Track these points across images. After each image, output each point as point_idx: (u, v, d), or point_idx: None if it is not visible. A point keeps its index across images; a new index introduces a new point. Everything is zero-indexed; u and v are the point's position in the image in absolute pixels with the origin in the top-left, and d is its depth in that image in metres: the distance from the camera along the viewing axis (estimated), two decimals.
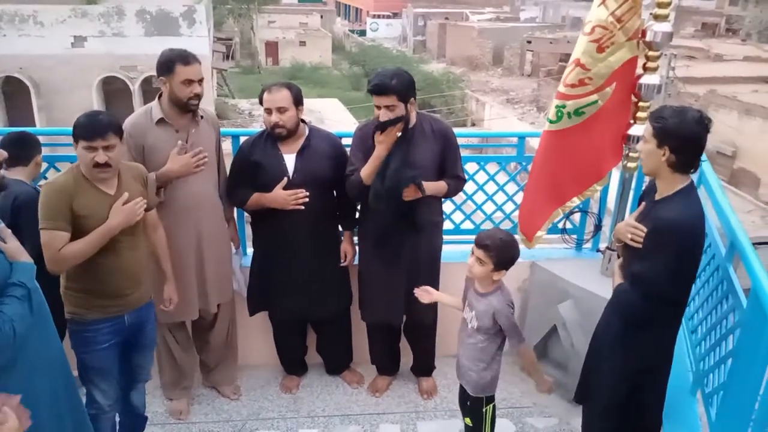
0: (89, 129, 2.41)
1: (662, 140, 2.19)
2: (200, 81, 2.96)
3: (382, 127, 2.96)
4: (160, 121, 2.97)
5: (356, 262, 3.48)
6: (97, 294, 2.56)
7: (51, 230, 2.40)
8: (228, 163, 3.34)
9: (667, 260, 2.16)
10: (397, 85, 2.93)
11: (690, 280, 2.31)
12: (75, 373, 2.53)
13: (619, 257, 2.52)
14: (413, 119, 3.11)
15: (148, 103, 3.08)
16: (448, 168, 3.20)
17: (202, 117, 3.09)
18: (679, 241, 2.16)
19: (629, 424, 2.50)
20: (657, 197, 2.31)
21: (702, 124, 2.17)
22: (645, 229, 2.24)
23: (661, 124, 2.19)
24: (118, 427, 2.97)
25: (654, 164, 2.25)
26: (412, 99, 3.03)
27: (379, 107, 2.97)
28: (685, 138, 2.16)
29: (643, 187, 2.64)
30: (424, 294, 2.86)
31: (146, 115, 3.01)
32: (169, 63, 2.90)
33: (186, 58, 2.92)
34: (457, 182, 3.23)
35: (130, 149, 2.93)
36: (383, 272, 3.27)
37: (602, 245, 3.72)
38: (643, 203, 2.39)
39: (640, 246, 2.25)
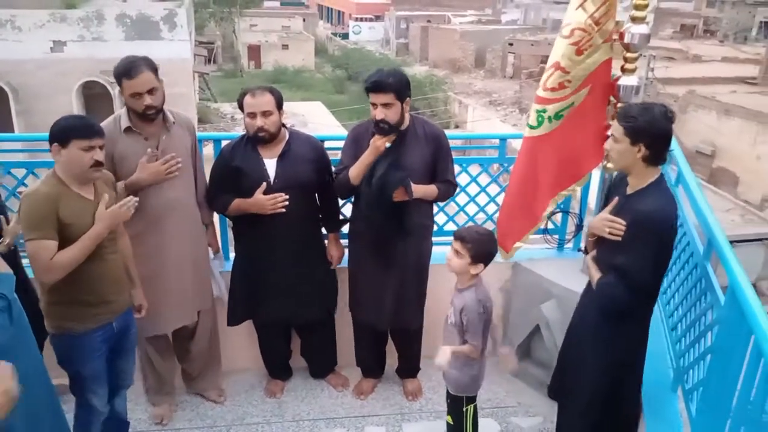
0: (89, 129, 2.41)
1: (636, 138, 2.26)
2: (150, 91, 2.83)
3: (380, 131, 2.98)
4: (128, 130, 2.92)
5: (345, 263, 3.48)
6: (87, 303, 2.54)
7: (39, 240, 2.35)
8: (209, 166, 3.32)
9: (649, 251, 2.24)
10: (394, 83, 2.97)
11: (665, 271, 2.40)
12: (55, 382, 2.50)
13: (586, 252, 2.59)
14: (406, 121, 3.13)
15: (118, 111, 3.02)
16: (440, 172, 3.20)
17: (174, 122, 3.03)
18: (660, 232, 2.25)
19: (610, 417, 2.54)
20: (629, 191, 2.38)
21: (668, 118, 2.27)
22: (624, 222, 2.29)
23: (632, 123, 2.26)
24: None
25: (628, 161, 2.32)
26: (408, 99, 3.06)
27: (375, 105, 2.99)
28: (657, 134, 2.26)
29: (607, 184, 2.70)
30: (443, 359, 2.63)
31: (115, 123, 2.95)
32: (117, 77, 2.83)
33: (130, 71, 2.80)
34: (447, 187, 3.24)
35: None
36: (371, 274, 3.28)
37: (583, 245, 3.74)
38: (616, 198, 2.44)
39: (619, 239, 2.31)
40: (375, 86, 2.98)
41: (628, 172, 2.38)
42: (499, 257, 2.66)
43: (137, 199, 2.60)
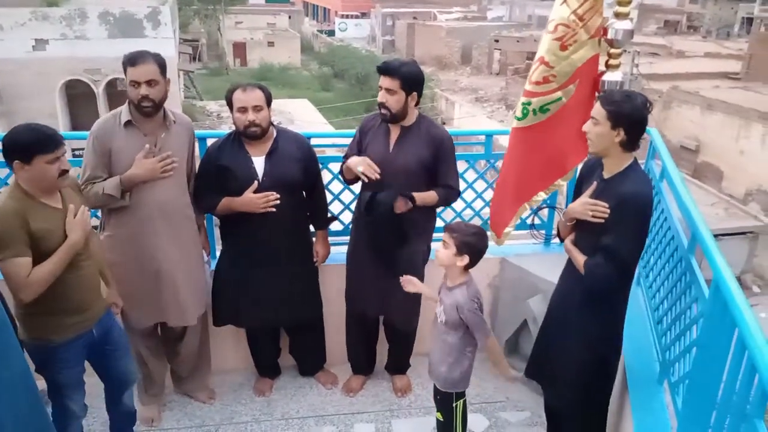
0: (51, 141, 2.33)
1: (616, 122, 2.34)
2: (149, 82, 2.84)
3: (383, 117, 3.09)
4: (128, 124, 2.91)
5: (331, 261, 3.48)
6: (65, 312, 2.50)
7: (12, 258, 2.28)
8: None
9: (633, 229, 2.35)
10: (403, 71, 2.99)
11: (644, 245, 2.52)
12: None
13: (560, 238, 2.69)
14: (412, 118, 3.14)
15: (120, 107, 3.01)
16: (441, 176, 3.18)
17: (174, 121, 3.02)
18: (642, 210, 2.36)
19: (596, 390, 2.66)
20: (606, 175, 2.46)
21: (646, 107, 2.36)
22: (607, 205, 2.38)
23: (615, 108, 2.34)
24: (109, 427, 3.04)
25: (606, 145, 2.40)
26: (415, 94, 3.07)
27: (381, 88, 3.02)
28: (637, 121, 2.35)
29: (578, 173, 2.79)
30: (408, 284, 2.87)
31: (115, 117, 2.95)
32: (123, 65, 2.86)
33: (133, 59, 2.84)
34: (448, 192, 3.22)
35: (96, 151, 2.88)
36: (368, 265, 3.29)
37: (555, 231, 3.78)
38: (594, 183, 2.50)
39: (603, 221, 2.39)
40: (383, 68, 3.02)
41: (605, 155, 2.45)
42: (488, 253, 2.67)
43: (88, 207, 2.56)
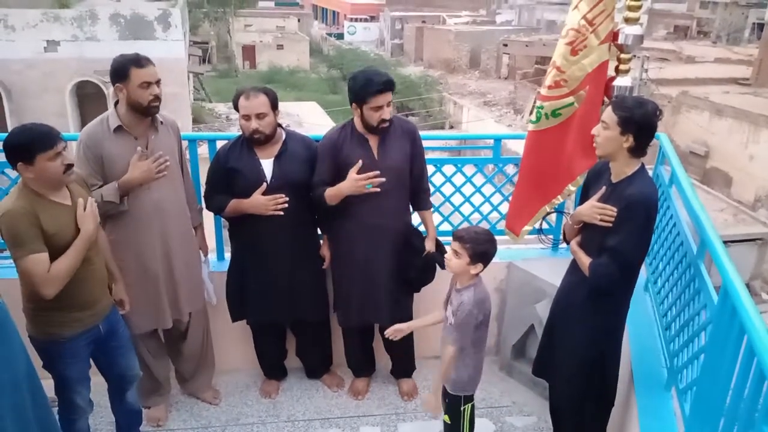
0: (50, 138, 2.33)
1: (626, 128, 2.37)
2: (158, 82, 2.85)
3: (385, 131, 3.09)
4: (118, 129, 2.87)
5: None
6: (74, 307, 2.52)
7: (30, 255, 2.31)
8: (204, 168, 3.31)
9: (638, 231, 2.39)
10: (393, 81, 3.04)
11: (649, 245, 2.57)
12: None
13: (566, 241, 2.72)
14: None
15: (104, 113, 2.96)
16: (415, 171, 3.25)
17: (161, 122, 3.01)
18: (648, 212, 2.40)
19: (596, 385, 2.69)
20: (615, 179, 2.50)
21: (656, 115, 2.39)
22: (614, 208, 2.41)
23: (626, 113, 2.37)
24: (116, 426, 3.08)
25: (614, 148, 2.43)
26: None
27: (380, 107, 2.99)
28: (647, 127, 2.37)
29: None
30: (396, 333, 2.90)
31: (102, 124, 2.90)
32: (122, 68, 2.80)
33: (139, 61, 2.80)
34: (428, 199, 3.40)
35: (88, 160, 2.85)
36: (360, 276, 3.28)
37: (563, 233, 3.77)
38: (603, 187, 2.53)
39: (610, 224, 2.43)
40: (389, 85, 2.99)
41: (612, 159, 2.49)
42: (496, 257, 2.67)
43: (95, 199, 2.58)
